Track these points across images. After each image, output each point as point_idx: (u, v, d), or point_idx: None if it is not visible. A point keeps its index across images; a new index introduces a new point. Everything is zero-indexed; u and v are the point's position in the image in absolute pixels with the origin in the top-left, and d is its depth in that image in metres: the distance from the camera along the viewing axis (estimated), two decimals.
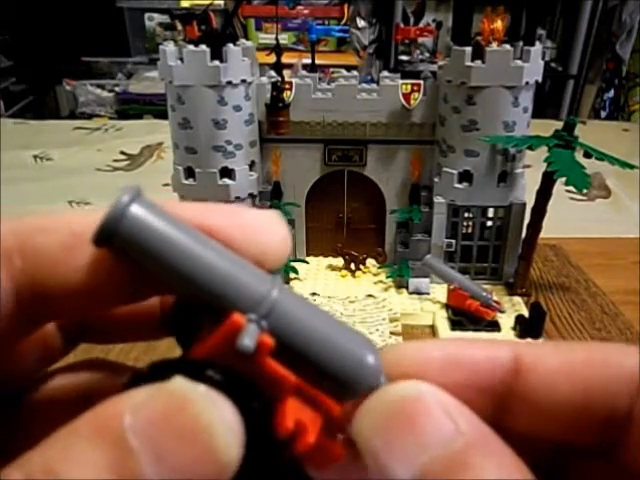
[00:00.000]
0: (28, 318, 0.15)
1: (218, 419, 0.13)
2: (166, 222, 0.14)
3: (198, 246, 0.14)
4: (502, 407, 0.16)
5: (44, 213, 0.15)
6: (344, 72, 0.82)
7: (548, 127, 0.77)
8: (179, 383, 0.13)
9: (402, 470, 0.14)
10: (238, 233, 0.15)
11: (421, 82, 0.77)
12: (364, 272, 0.85)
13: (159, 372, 0.14)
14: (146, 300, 0.17)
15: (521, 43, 0.72)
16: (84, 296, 0.15)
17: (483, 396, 0.16)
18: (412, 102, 0.78)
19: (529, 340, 0.70)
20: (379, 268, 0.85)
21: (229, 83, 0.73)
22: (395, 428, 0.14)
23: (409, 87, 0.77)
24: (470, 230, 0.81)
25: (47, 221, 0.15)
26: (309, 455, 0.15)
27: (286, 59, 0.81)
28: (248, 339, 0.13)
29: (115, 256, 0.15)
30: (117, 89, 2.51)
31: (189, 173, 0.78)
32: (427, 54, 2.36)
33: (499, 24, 0.71)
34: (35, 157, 1.46)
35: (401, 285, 0.81)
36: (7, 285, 0.14)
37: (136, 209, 0.14)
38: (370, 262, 0.86)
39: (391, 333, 0.69)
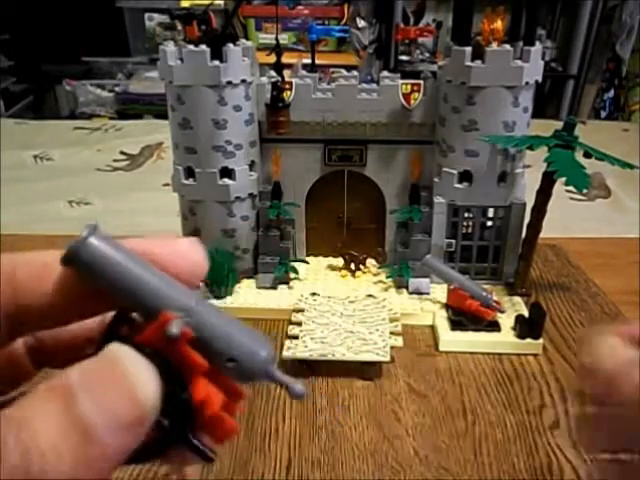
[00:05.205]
0: (10, 329, 0.20)
1: (139, 371, 0.18)
2: (115, 250, 0.19)
3: (139, 268, 0.19)
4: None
5: (31, 252, 0.20)
6: (344, 72, 0.81)
7: (548, 127, 0.77)
8: (113, 345, 0.18)
9: None
10: (171, 259, 0.21)
11: (421, 82, 0.77)
12: (364, 272, 0.85)
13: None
14: (100, 314, 0.21)
15: (521, 43, 0.72)
16: (54, 310, 0.20)
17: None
18: (412, 102, 0.78)
19: (529, 341, 0.70)
20: (379, 268, 0.85)
21: (229, 83, 0.73)
22: None
23: (409, 87, 0.77)
24: (470, 230, 0.81)
25: (28, 257, 0.21)
26: (211, 425, 0.19)
27: (286, 59, 0.81)
28: (175, 327, 0.18)
29: (77, 275, 0.19)
30: (117, 89, 2.51)
31: (189, 173, 0.78)
32: (427, 54, 2.36)
33: (499, 24, 0.71)
34: (35, 157, 1.46)
35: (401, 285, 0.81)
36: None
37: (93, 239, 0.19)
38: (370, 262, 0.86)
39: (391, 333, 0.69)
